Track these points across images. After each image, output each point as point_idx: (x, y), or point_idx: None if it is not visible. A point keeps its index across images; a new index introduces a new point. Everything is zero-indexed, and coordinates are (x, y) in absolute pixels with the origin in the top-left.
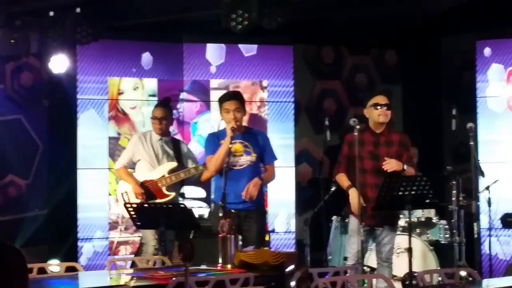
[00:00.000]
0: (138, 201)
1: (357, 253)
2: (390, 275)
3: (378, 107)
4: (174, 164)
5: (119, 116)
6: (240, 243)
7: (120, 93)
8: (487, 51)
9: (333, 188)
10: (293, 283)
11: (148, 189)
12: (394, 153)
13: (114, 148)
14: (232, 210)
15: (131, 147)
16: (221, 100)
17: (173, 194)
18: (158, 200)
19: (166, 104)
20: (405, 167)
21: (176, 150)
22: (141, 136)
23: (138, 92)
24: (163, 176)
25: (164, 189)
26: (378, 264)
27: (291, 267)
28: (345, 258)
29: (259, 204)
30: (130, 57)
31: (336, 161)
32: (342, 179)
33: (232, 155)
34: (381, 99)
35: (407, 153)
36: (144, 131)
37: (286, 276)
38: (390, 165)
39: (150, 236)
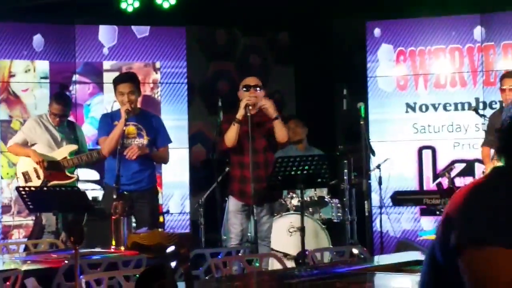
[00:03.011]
0: (40, 175)
1: (240, 232)
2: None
3: (244, 89)
4: (74, 146)
5: (10, 98)
6: (134, 224)
7: (11, 76)
8: (377, 31)
9: (227, 169)
10: (173, 264)
11: (52, 167)
12: (266, 132)
13: (6, 131)
14: (125, 192)
15: (26, 130)
16: (116, 82)
17: (75, 176)
18: (61, 182)
19: (64, 98)
20: (279, 118)
21: (74, 133)
22: (36, 119)
23: (29, 75)
24: (65, 158)
25: (66, 171)
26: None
27: (172, 248)
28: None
29: (151, 184)
30: (21, 39)
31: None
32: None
33: (125, 137)
34: (251, 80)
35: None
36: (40, 114)
37: (167, 258)
38: (268, 103)
39: (53, 217)
